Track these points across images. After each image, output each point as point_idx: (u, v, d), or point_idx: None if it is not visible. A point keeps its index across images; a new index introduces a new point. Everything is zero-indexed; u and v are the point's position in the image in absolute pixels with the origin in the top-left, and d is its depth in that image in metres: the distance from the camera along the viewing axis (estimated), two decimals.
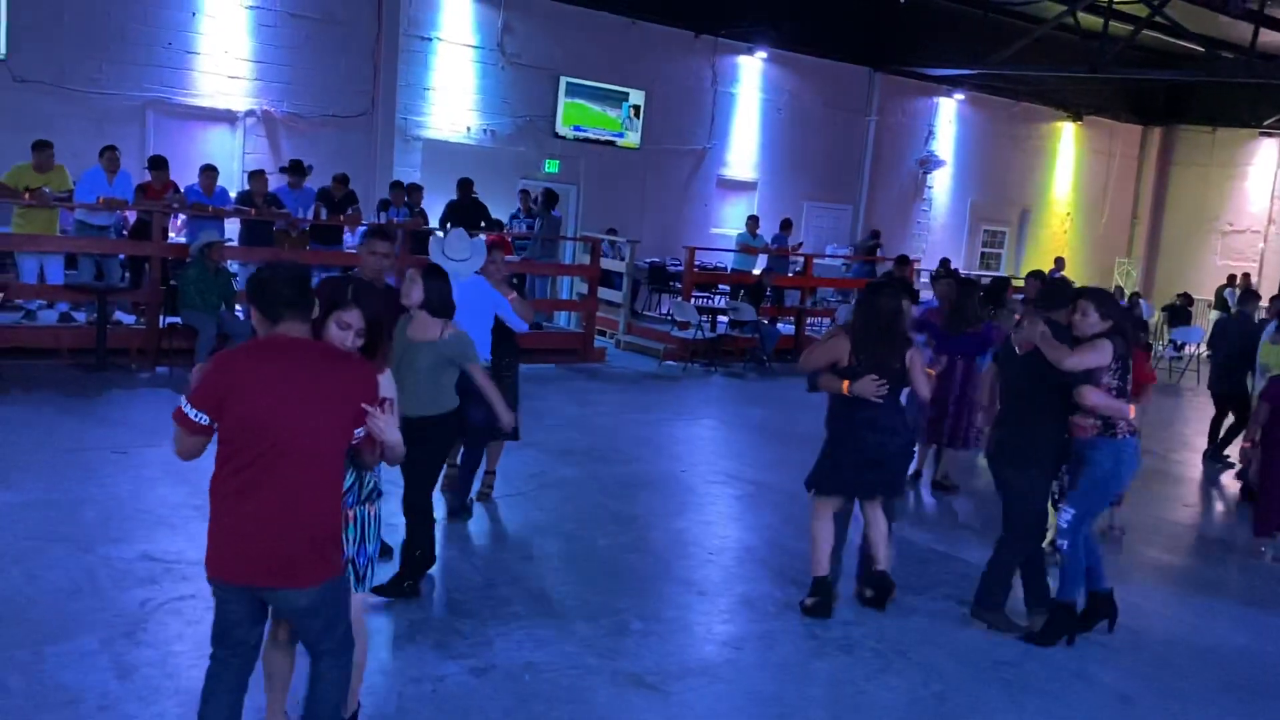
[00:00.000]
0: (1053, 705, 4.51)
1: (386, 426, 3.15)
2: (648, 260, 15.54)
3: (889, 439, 5.17)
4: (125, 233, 10.94)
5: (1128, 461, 5.00)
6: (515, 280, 12.73)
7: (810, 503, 5.40)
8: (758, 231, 15.70)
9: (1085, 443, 5.00)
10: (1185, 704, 4.73)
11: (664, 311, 15.41)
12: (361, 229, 12.43)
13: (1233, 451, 9.44)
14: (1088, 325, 4.88)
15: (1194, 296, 19.40)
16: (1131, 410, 4.93)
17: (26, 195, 9.76)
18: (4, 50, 11.48)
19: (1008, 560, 5.20)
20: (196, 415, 2.97)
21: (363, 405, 3.08)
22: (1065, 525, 5.10)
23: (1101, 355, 4.83)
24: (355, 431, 3.12)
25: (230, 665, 3.18)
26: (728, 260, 16.00)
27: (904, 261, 14.17)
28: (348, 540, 3.43)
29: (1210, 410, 10.16)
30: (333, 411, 3.06)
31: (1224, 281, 20.08)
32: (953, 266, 17.45)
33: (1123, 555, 6.69)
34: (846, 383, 5.09)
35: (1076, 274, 19.88)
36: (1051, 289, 5.64)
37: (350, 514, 3.46)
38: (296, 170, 11.65)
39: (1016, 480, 5.10)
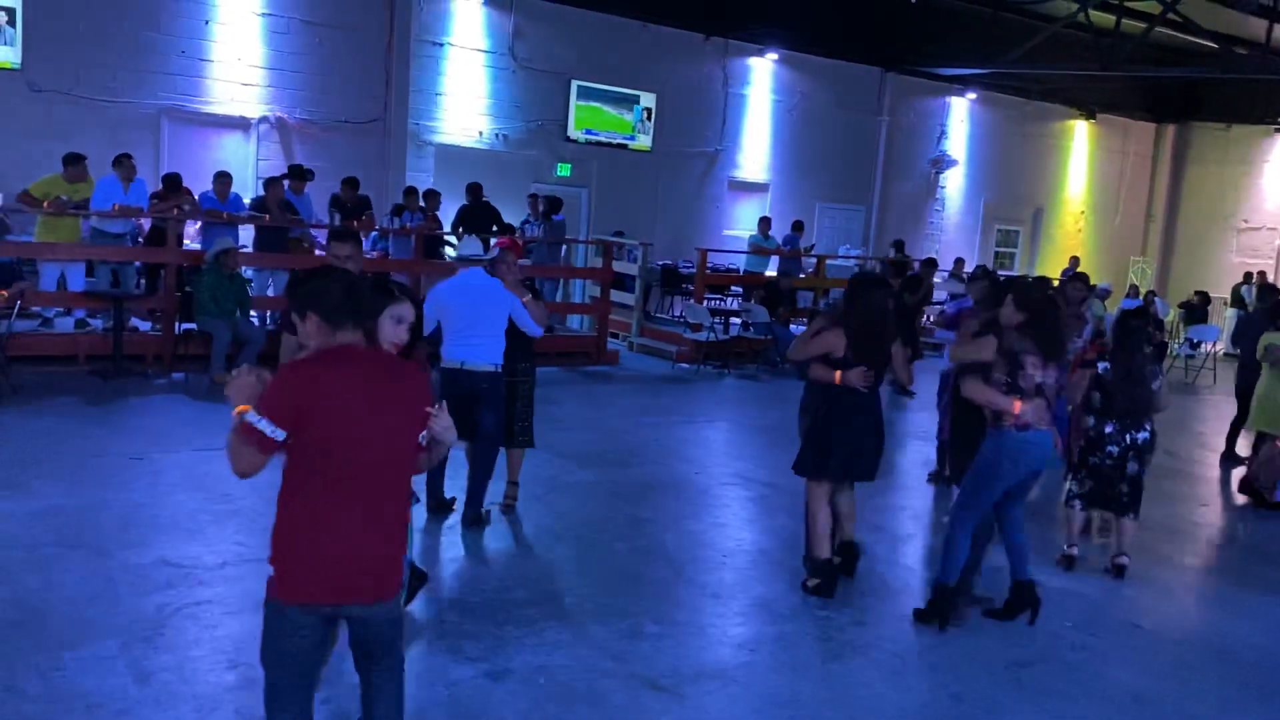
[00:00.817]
0: (1069, 706, 4.49)
1: (448, 428, 3.09)
2: (660, 262, 15.55)
3: (873, 425, 5.44)
4: (140, 240, 11.02)
5: (1008, 454, 4.95)
6: (528, 282, 12.77)
7: (805, 489, 5.57)
8: (770, 233, 15.70)
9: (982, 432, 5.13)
10: (1203, 704, 4.70)
11: (676, 314, 15.41)
12: (374, 234, 12.52)
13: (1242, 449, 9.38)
14: (1005, 317, 5.04)
15: (1210, 294, 19.29)
16: (1016, 406, 4.86)
17: (45, 205, 9.86)
18: (20, 60, 11.58)
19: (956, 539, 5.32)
20: (272, 430, 2.82)
21: (426, 409, 3.03)
22: (952, 505, 5.24)
23: (983, 350, 4.99)
24: (420, 437, 3.06)
25: (300, 694, 3.05)
26: (740, 262, 16.00)
27: (931, 264, 14.18)
28: None
29: (1229, 410, 10.09)
30: (404, 419, 3.00)
31: (1240, 279, 19.96)
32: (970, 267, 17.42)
33: (1140, 555, 6.65)
34: (839, 373, 5.30)
35: (1091, 273, 19.73)
36: (998, 287, 5.96)
37: None
38: (297, 175, 11.65)
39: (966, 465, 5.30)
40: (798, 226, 16.29)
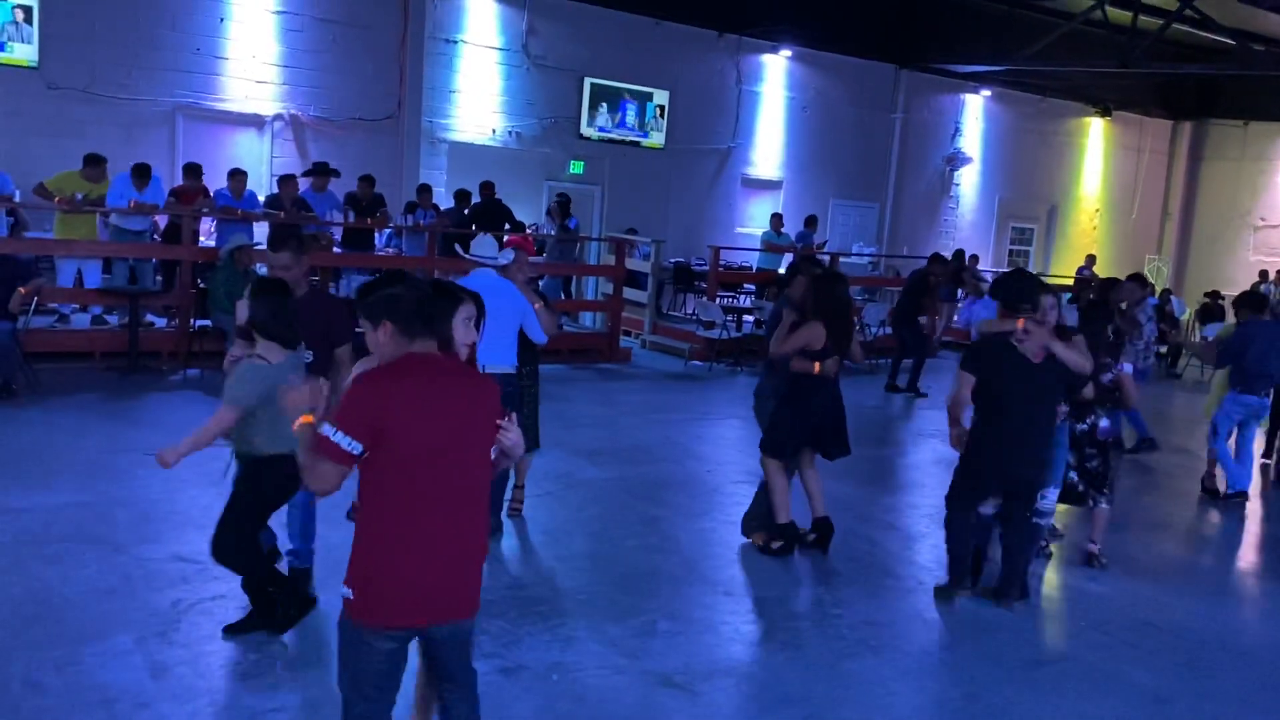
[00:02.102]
0: (1085, 706, 4.47)
1: (517, 443, 3.02)
2: (672, 260, 15.54)
3: (837, 403, 5.95)
4: (157, 237, 11.07)
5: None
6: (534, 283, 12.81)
7: (768, 463, 5.96)
8: (782, 229, 15.67)
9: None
10: (1221, 704, 4.67)
11: (689, 311, 15.40)
12: (388, 231, 12.54)
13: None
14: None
15: (1224, 293, 19.13)
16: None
17: (57, 200, 9.91)
18: (37, 58, 11.64)
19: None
20: (349, 444, 2.71)
21: (496, 421, 2.97)
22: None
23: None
24: (492, 449, 2.98)
25: (378, 717, 2.97)
26: (753, 259, 15.97)
27: (960, 257, 14.29)
28: None
29: None
30: (480, 430, 2.92)
31: (1257, 278, 19.81)
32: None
33: (1158, 556, 6.62)
34: (818, 364, 5.75)
35: (1106, 271, 19.66)
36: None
37: None
38: (323, 172, 11.72)
39: (1039, 478, 5.37)
40: (810, 222, 16.25)
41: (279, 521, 4.96)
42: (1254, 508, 8.36)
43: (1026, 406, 5.19)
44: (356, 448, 2.72)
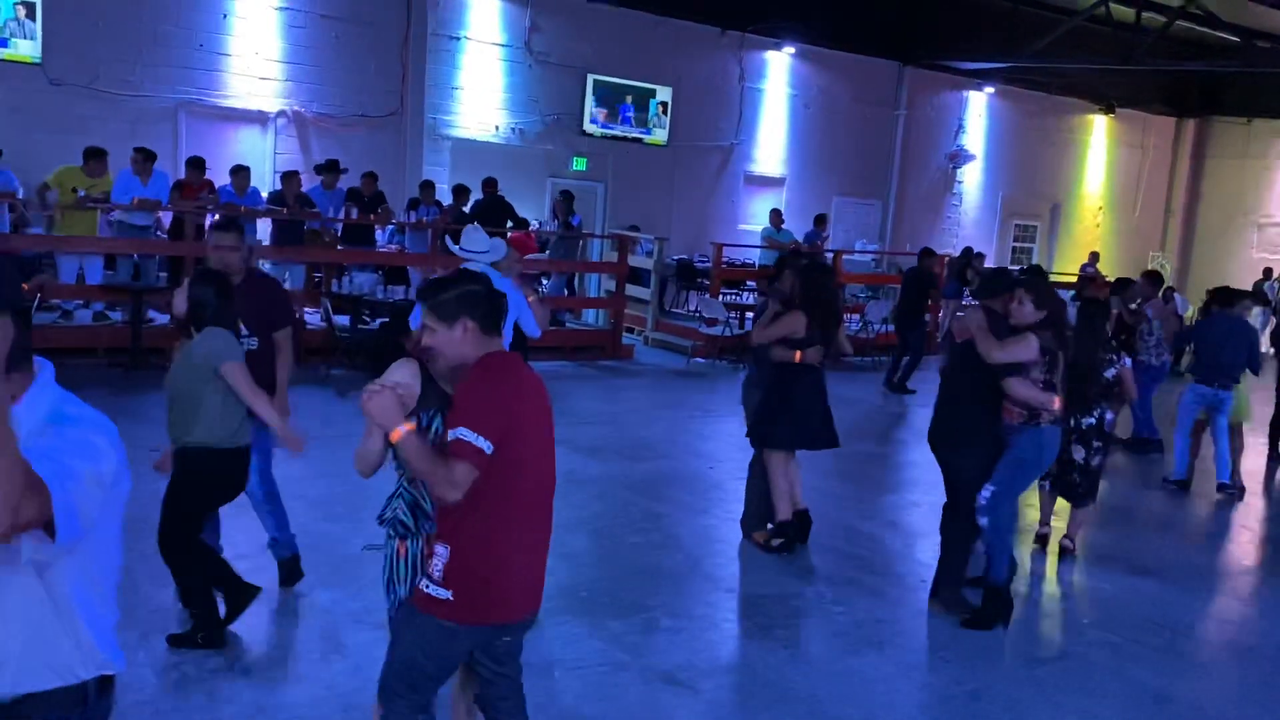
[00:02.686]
0: (1088, 703, 4.46)
1: None
2: (675, 257, 15.53)
3: (821, 393, 5.94)
4: (161, 233, 11.08)
5: (1048, 449, 5.11)
6: (536, 281, 12.85)
7: (769, 458, 5.91)
8: (783, 225, 15.65)
9: (1010, 428, 5.06)
10: (1224, 702, 4.67)
11: (692, 308, 15.39)
12: (390, 227, 12.55)
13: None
14: (1023, 315, 4.97)
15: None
16: (1056, 402, 4.99)
17: (75, 196, 9.92)
18: (40, 54, 11.64)
19: (957, 539, 5.26)
20: (487, 445, 2.65)
21: None
22: (984, 502, 5.07)
23: (1028, 349, 4.92)
24: None
25: (430, 694, 3.00)
26: (755, 256, 15.96)
27: (968, 254, 14.31)
28: (401, 578, 3.12)
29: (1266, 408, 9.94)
30: (551, 426, 2.95)
31: (1260, 275, 19.78)
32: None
33: (1160, 554, 6.61)
34: (799, 353, 5.75)
35: (1110, 269, 19.65)
36: (991, 277, 5.97)
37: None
38: (332, 169, 11.72)
39: (954, 461, 5.20)
40: (820, 221, 16.23)
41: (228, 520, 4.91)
42: (1257, 505, 8.35)
43: (945, 383, 5.39)
44: (490, 448, 2.67)
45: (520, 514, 2.81)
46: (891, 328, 13.24)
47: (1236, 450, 8.25)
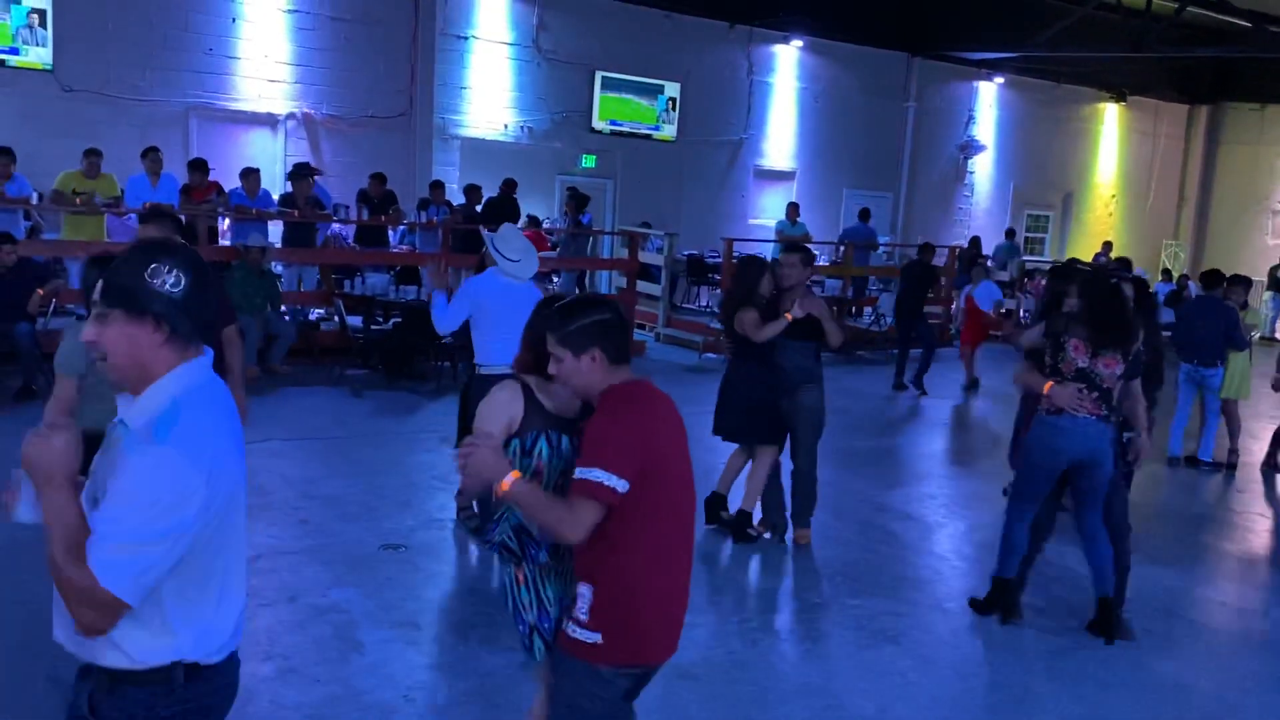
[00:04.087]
0: (1105, 695, 4.45)
1: None
2: (686, 253, 15.52)
3: (760, 392, 6.08)
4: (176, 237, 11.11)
5: (1040, 439, 4.89)
6: (549, 276, 12.87)
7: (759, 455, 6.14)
8: (798, 219, 15.63)
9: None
10: (1243, 693, 4.65)
11: (703, 304, 15.38)
12: (402, 228, 12.57)
13: None
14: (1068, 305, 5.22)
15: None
16: (1046, 387, 4.81)
17: (78, 200, 9.98)
18: (51, 60, 11.71)
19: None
20: (622, 485, 2.54)
21: None
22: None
23: (1034, 335, 5.18)
24: None
25: None
26: (768, 251, 15.92)
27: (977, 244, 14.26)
28: (525, 605, 2.94)
29: (1266, 398, 9.94)
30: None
31: (1277, 261, 19.65)
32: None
33: (1177, 544, 6.58)
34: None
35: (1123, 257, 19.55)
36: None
37: (523, 573, 2.97)
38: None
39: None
40: (864, 215, 16.22)
41: None
42: (1267, 489, 8.30)
43: None
44: (624, 486, 2.55)
45: (662, 549, 2.69)
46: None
47: (1234, 427, 8.70)
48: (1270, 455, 8.84)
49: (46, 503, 1.95)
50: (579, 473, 2.56)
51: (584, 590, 2.68)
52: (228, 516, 2.08)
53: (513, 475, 2.58)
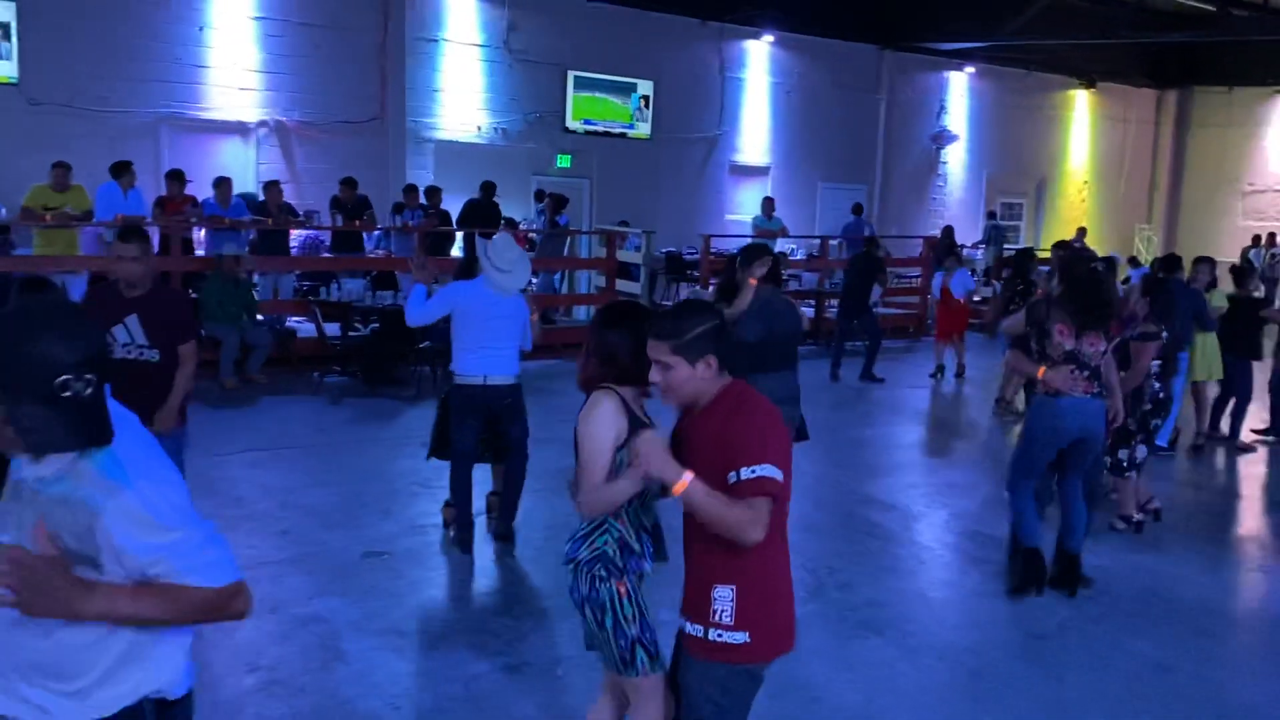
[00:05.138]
0: (1089, 677, 4.48)
1: None
2: (664, 250, 15.53)
3: None
4: None
5: (1040, 418, 5.18)
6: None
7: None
8: (774, 214, 15.67)
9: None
10: (1225, 670, 4.70)
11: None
12: (377, 233, 12.53)
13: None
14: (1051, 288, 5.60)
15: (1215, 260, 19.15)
16: (1040, 371, 5.06)
17: (48, 217, 9.89)
18: (17, 74, 11.59)
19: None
20: (782, 477, 2.59)
21: None
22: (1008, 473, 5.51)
23: (1018, 321, 5.39)
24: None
25: None
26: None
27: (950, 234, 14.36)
28: (629, 619, 2.92)
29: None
30: None
31: (1249, 243, 19.85)
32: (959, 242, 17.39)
33: (1158, 527, 6.63)
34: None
35: (1097, 243, 19.70)
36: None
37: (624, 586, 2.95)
38: (122, 171, 10.57)
39: None
40: (858, 209, 16.32)
41: None
42: (1257, 470, 8.39)
43: None
44: (782, 478, 2.60)
45: (785, 542, 2.76)
46: (880, 311, 13.24)
47: (1203, 408, 8.76)
48: (1213, 425, 8.95)
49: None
50: (749, 471, 2.53)
51: (724, 592, 2.67)
52: None
53: (689, 474, 2.55)
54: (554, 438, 7.32)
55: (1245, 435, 9.07)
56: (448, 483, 5.97)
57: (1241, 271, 9.57)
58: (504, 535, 5.83)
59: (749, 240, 15.61)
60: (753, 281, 5.51)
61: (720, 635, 2.68)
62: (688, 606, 2.78)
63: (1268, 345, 9.26)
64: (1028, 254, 10.49)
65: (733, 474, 2.55)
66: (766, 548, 2.64)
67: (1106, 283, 5.20)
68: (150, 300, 4.75)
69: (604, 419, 2.81)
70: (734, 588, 2.67)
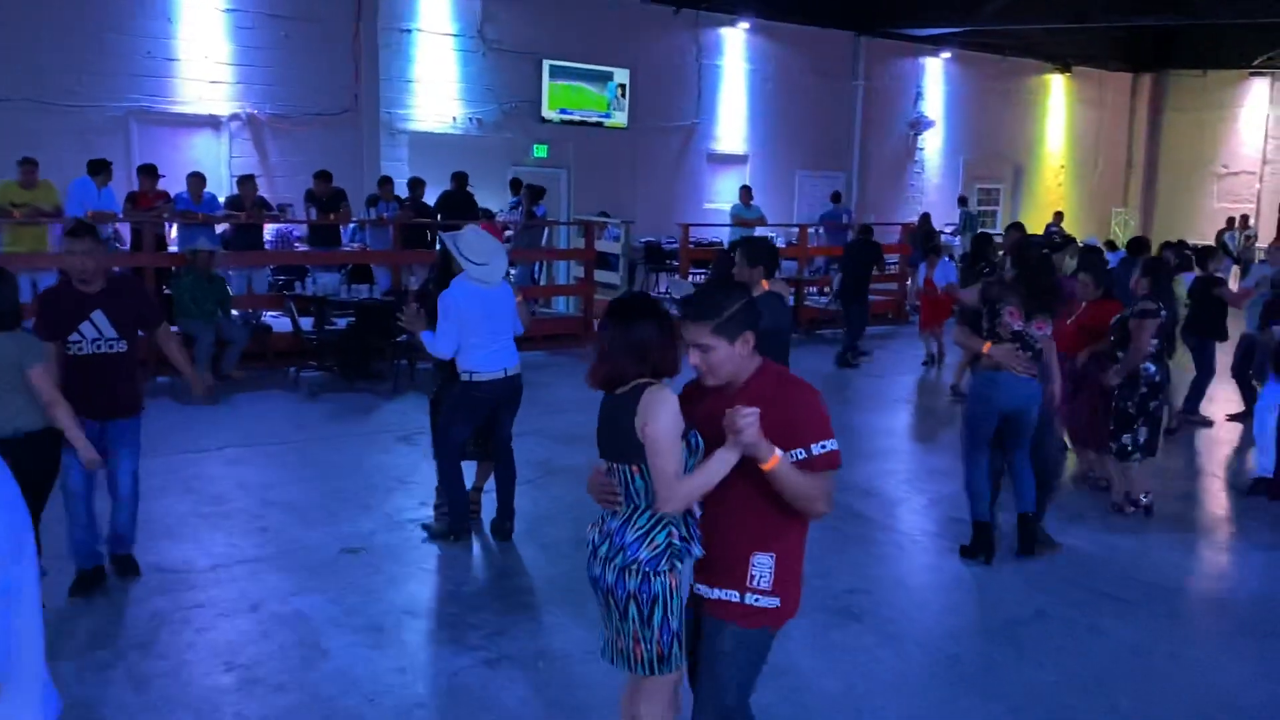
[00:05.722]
0: (1066, 660, 4.51)
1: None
2: (643, 240, 15.50)
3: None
4: (118, 245, 10.91)
5: (979, 390, 5.47)
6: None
7: None
8: (751, 202, 15.66)
9: None
10: (1199, 650, 4.74)
11: (662, 290, 15.36)
12: (352, 226, 12.43)
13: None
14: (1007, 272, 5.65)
15: (1191, 243, 19.28)
16: (986, 347, 5.34)
17: (16, 214, 9.76)
18: None
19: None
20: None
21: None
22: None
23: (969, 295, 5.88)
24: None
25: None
26: (724, 235, 15.95)
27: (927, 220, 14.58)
28: (675, 611, 2.91)
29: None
30: None
31: (1224, 225, 19.98)
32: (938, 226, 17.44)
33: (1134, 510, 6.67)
34: None
35: (1074, 227, 19.79)
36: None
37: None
38: (100, 169, 10.50)
39: None
40: (836, 197, 16.35)
41: None
42: (1230, 453, 8.45)
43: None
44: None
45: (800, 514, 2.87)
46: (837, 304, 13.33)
47: (1177, 389, 8.61)
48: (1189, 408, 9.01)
49: None
50: (820, 447, 2.69)
51: (764, 559, 2.80)
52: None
53: (779, 450, 2.64)
54: (532, 430, 7.32)
55: (1219, 419, 9.18)
56: (423, 479, 5.94)
57: (1204, 252, 9.66)
58: (506, 532, 5.79)
59: (743, 234, 15.64)
60: (764, 285, 5.44)
61: (757, 600, 2.80)
62: (717, 574, 2.84)
63: (1238, 328, 9.32)
64: (986, 239, 10.69)
65: (800, 450, 2.68)
66: (801, 519, 2.80)
67: (1055, 271, 5.51)
68: (111, 293, 4.84)
69: (672, 413, 2.78)
70: (774, 555, 2.79)
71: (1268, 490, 6.90)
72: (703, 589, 2.89)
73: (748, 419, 2.61)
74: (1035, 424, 5.46)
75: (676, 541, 2.84)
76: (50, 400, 4.37)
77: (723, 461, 2.71)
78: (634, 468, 2.81)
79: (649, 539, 2.83)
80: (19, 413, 4.34)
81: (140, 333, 5.01)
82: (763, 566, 2.79)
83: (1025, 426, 5.44)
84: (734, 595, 2.81)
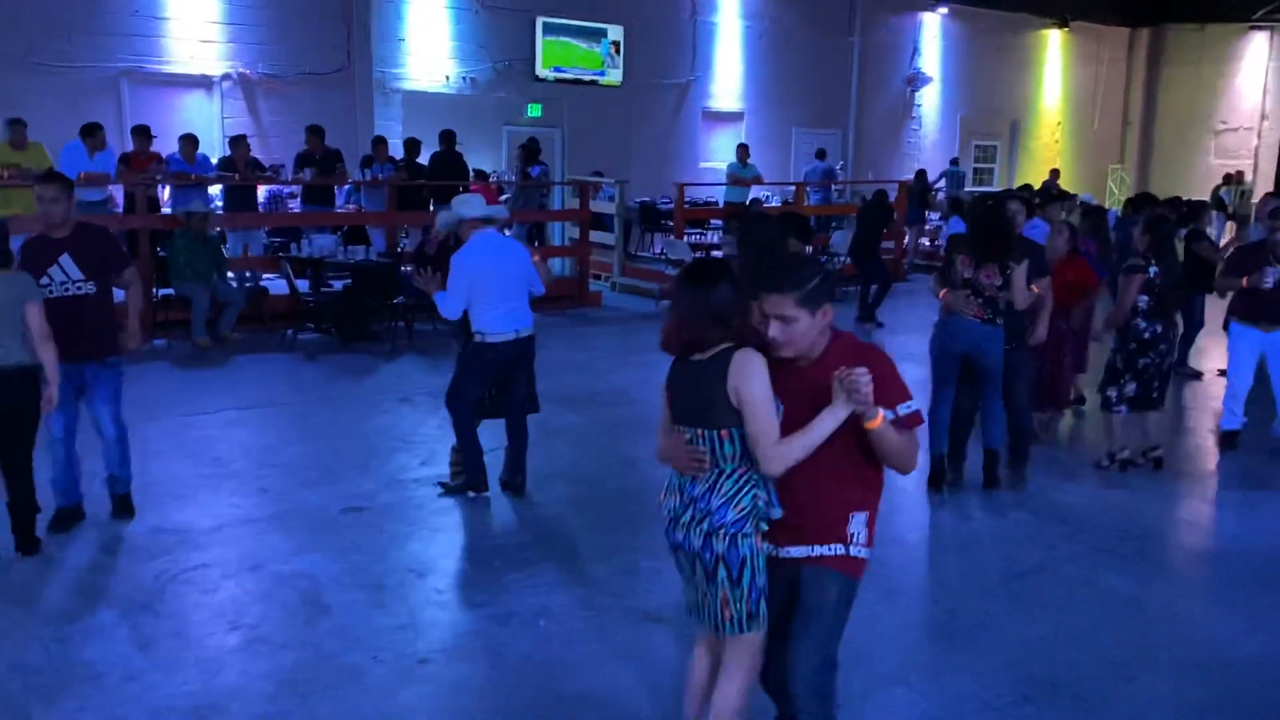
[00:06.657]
0: (1061, 615, 4.56)
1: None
2: (638, 200, 15.42)
3: None
4: (114, 208, 10.85)
5: (936, 334, 5.92)
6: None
7: None
8: (748, 160, 15.57)
9: None
10: (1192, 603, 4.80)
11: (657, 251, 15.33)
12: (348, 186, 12.36)
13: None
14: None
15: (1188, 199, 19.23)
16: (942, 293, 5.80)
17: (6, 174, 9.68)
18: None
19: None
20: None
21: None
22: None
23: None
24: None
25: None
26: (719, 194, 15.88)
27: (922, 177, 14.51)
28: (760, 569, 2.97)
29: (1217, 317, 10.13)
30: None
31: (1220, 181, 19.92)
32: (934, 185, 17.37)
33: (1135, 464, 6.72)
34: None
35: (1071, 183, 19.74)
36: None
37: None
38: (91, 133, 10.19)
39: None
40: (821, 154, 16.27)
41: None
42: (1215, 406, 8.49)
43: None
44: None
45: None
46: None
47: None
48: (1181, 361, 9.03)
49: None
50: (905, 408, 2.85)
51: (861, 517, 2.95)
52: None
53: (878, 414, 2.77)
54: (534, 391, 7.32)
55: (1209, 372, 9.28)
56: (423, 439, 5.99)
57: (1194, 206, 9.83)
58: (518, 487, 5.85)
59: (724, 186, 15.59)
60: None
61: (860, 551, 2.97)
62: (813, 533, 2.94)
63: None
64: (957, 202, 11.21)
65: (888, 412, 2.81)
66: (882, 480, 2.99)
67: (1005, 223, 5.75)
68: (76, 237, 5.06)
69: (764, 374, 2.81)
70: (867, 514, 2.97)
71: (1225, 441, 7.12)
72: (793, 550, 2.95)
73: (864, 378, 2.70)
74: (999, 366, 5.82)
75: (760, 505, 2.88)
76: (44, 335, 4.65)
77: (829, 422, 2.78)
78: (723, 432, 2.84)
79: (735, 502, 2.87)
80: (16, 348, 4.64)
81: (109, 277, 5.19)
82: (860, 523, 2.94)
83: (988, 369, 5.82)
84: (839, 549, 2.94)
